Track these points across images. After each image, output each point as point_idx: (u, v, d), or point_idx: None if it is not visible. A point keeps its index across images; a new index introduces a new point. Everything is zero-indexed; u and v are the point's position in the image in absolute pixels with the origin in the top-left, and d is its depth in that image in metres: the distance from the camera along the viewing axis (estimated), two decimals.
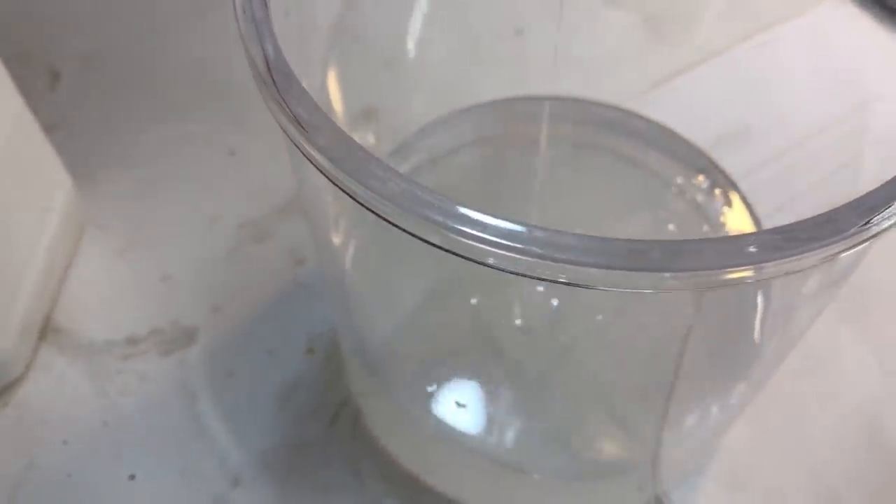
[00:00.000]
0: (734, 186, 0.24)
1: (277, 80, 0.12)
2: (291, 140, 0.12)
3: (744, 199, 0.23)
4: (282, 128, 0.12)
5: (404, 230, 0.11)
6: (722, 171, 0.24)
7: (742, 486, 0.21)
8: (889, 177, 0.11)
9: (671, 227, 0.23)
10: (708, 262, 0.10)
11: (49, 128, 0.24)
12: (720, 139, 0.26)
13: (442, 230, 0.10)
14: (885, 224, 0.10)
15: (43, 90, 0.28)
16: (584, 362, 0.21)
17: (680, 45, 0.28)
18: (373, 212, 0.11)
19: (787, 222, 0.22)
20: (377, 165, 0.11)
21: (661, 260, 0.10)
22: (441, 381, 0.21)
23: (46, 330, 0.24)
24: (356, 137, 0.11)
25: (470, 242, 0.10)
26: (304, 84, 0.12)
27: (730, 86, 0.27)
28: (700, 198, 0.23)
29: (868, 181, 0.21)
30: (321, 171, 0.11)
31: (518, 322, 0.22)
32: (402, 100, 0.25)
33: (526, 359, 0.21)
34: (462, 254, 0.10)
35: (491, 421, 0.21)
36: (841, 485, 0.21)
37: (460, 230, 0.10)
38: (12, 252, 0.23)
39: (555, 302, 0.22)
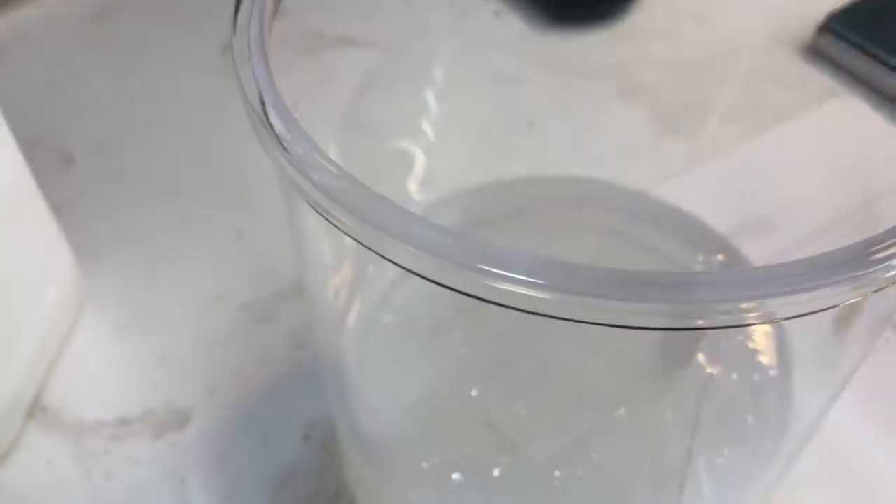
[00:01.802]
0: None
1: (273, 122, 0.12)
2: (289, 180, 0.11)
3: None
4: (277, 168, 0.12)
5: (398, 265, 0.10)
6: (742, 256, 0.23)
7: None
8: None
9: None
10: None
11: (58, 207, 0.24)
12: (733, 231, 0.25)
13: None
14: None
15: (56, 172, 0.29)
16: (593, 453, 0.20)
17: (691, 140, 0.28)
18: (359, 241, 0.10)
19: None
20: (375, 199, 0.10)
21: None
22: (441, 473, 0.20)
23: (34, 408, 0.23)
24: None
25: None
26: None
27: (742, 180, 0.27)
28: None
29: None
30: (316, 210, 0.11)
31: (523, 412, 0.21)
32: (412, 190, 0.25)
33: (532, 450, 0.20)
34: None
35: None
36: None
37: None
38: (7, 326, 0.22)
39: (561, 392, 0.21)
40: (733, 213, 0.26)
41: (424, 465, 0.20)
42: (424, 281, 0.10)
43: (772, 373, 0.21)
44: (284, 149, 0.11)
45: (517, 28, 0.33)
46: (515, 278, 0.10)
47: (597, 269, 0.09)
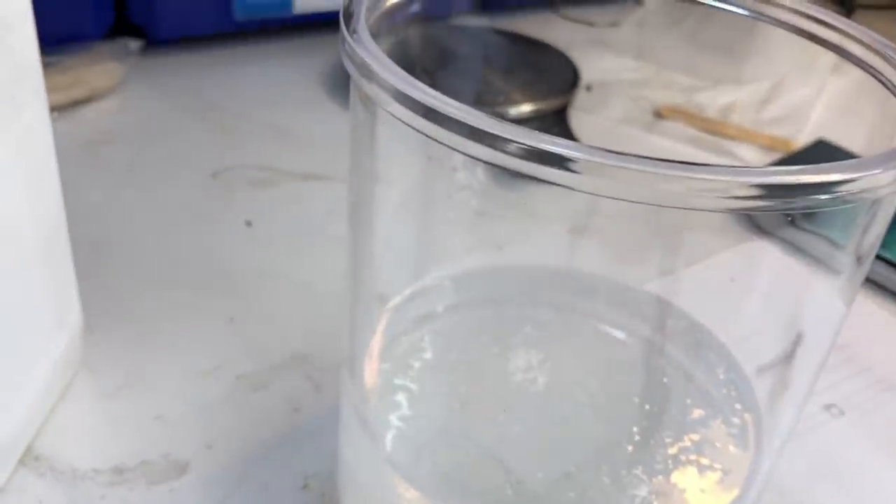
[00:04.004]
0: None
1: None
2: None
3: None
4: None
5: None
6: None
7: None
8: None
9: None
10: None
11: None
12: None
13: None
14: None
15: None
16: (585, 484, 0.22)
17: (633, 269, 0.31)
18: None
19: None
20: None
21: None
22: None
23: (28, 454, 0.23)
24: None
25: None
26: None
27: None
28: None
29: None
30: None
31: (525, 445, 0.22)
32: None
33: (530, 481, 0.22)
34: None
35: None
36: None
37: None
38: (10, 372, 0.23)
39: (557, 425, 0.23)
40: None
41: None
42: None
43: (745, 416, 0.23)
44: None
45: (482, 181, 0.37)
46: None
47: None
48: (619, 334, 0.26)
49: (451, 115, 0.14)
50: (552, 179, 0.14)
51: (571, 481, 0.22)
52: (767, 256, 0.29)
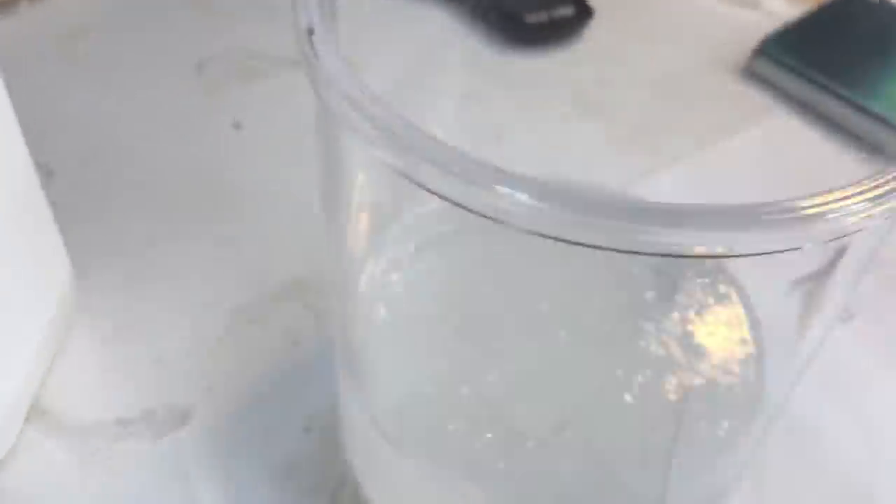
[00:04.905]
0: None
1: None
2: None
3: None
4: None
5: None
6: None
7: None
8: None
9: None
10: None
11: None
12: None
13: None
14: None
15: None
16: (584, 431, 0.22)
17: (639, 155, 0.29)
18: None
19: None
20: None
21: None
22: (446, 452, 0.21)
23: (33, 411, 0.23)
24: None
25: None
26: None
27: (686, 193, 0.29)
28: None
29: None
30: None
31: (518, 392, 0.22)
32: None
33: (526, 429, 0.22)
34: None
35: (495, 492, 0.21)
36: None
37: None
38: (6, 331, 0.22)
39: (553, 370, 0.22)
40: None
41: (429, 447, 0.21)
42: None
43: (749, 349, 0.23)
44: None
45: (478, 49, 0.35)
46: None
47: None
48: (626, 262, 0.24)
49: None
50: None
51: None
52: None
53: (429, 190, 0.12)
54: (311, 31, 0.13)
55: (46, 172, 0.29)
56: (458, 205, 0.12)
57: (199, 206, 0.28)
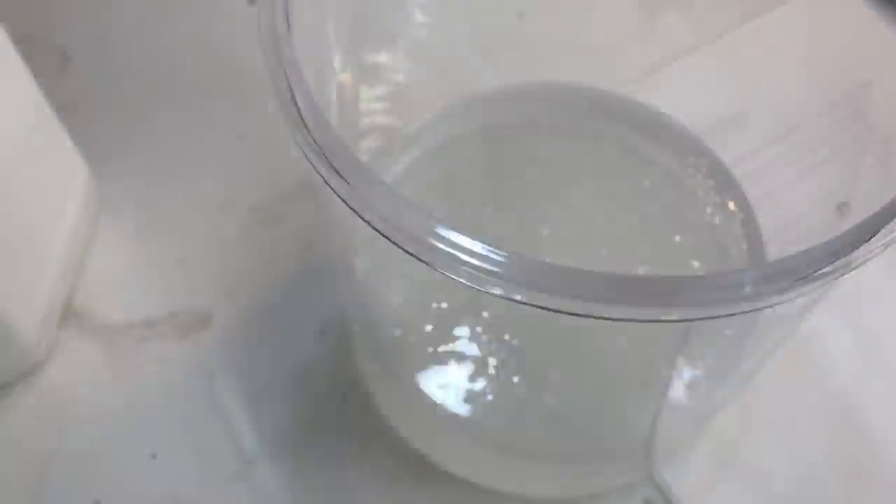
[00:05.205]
0: (728, 173, 0.24)
1: (305, 117, 0.13)
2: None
3: (737, 187, 0.24)
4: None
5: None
6: (716, 159, 0.25)
7: (729, 464, 0.22)
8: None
9: (662, 215, 0.23)
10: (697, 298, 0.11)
11: (60, 109, 0.25)
12: (716, 125, 0.26)
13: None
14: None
15: (53, 73, 0.29)
16: (584, 350, 0.22)
17: (676, 31, 0.28)
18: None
19: (779, 210, 0.23)
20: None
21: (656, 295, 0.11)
22: (446, 365, 0.22)
23: (67, 313, 0.25)
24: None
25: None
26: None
27: (725, 71, 0.28)
28: (693, 185, 0.24)
29: (866, 167, 0.22)
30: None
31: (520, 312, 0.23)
32: (404, 87, 0.25)
33: (528, 346, 0.22)
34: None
35: (492, 404, 0.22)
36: (822, 464, 0.22)
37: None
38: (33, 239, 0.24)
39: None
40: (715, 107, 0.27)
41: (428, 359, 0.22)
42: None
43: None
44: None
45: None
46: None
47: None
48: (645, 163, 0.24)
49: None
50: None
51: None
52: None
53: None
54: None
55: (63, 57, 0.29)
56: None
57: (213, 96, 0.28)
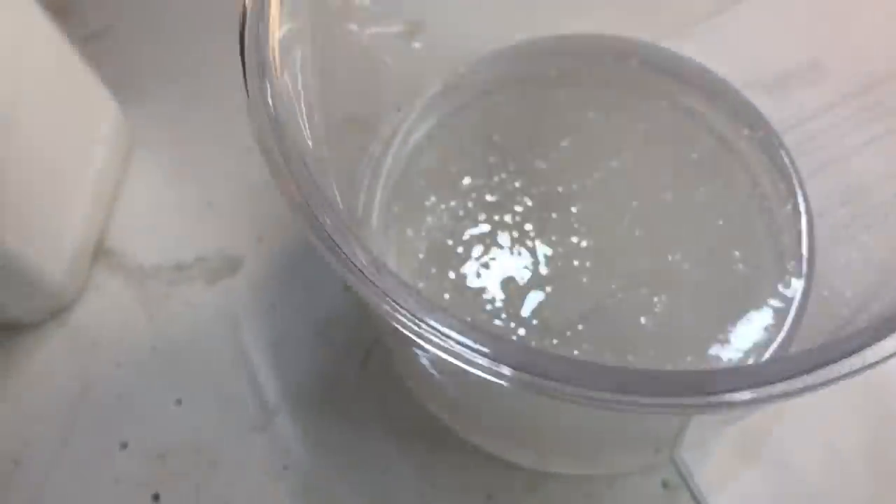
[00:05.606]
0: (785, 147, 0.23)
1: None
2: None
3: (793, 163, 0.22)
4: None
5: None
6: (773, 130, 0.23)
7: (754, 452, 0.22)
8: None
9: (707, 194, 0.22)
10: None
11: (90, 37, 0.24)
12: (779, 79, 0.24)
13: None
14: None
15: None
16: (619, 321, 0.21)
17: None
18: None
19: (840, 182, 0.21)
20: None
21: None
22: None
23: (99, 252, 0.25)
24: None
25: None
26: None
27: (794, 16, 0.25)
28: (745, 159, 0.23)
29: None
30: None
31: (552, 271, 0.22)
32: (441, 32, 0.24)
33: (551, 317, 0.22)
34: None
35: None
36: (853, 460, 0.21)
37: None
38: (64, 179, 0.24)
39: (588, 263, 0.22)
40: (782, 57, 0.25)
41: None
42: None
43: None
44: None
45: None
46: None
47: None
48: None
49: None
50: None
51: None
52: None
53: None
54: None
55: None
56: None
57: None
